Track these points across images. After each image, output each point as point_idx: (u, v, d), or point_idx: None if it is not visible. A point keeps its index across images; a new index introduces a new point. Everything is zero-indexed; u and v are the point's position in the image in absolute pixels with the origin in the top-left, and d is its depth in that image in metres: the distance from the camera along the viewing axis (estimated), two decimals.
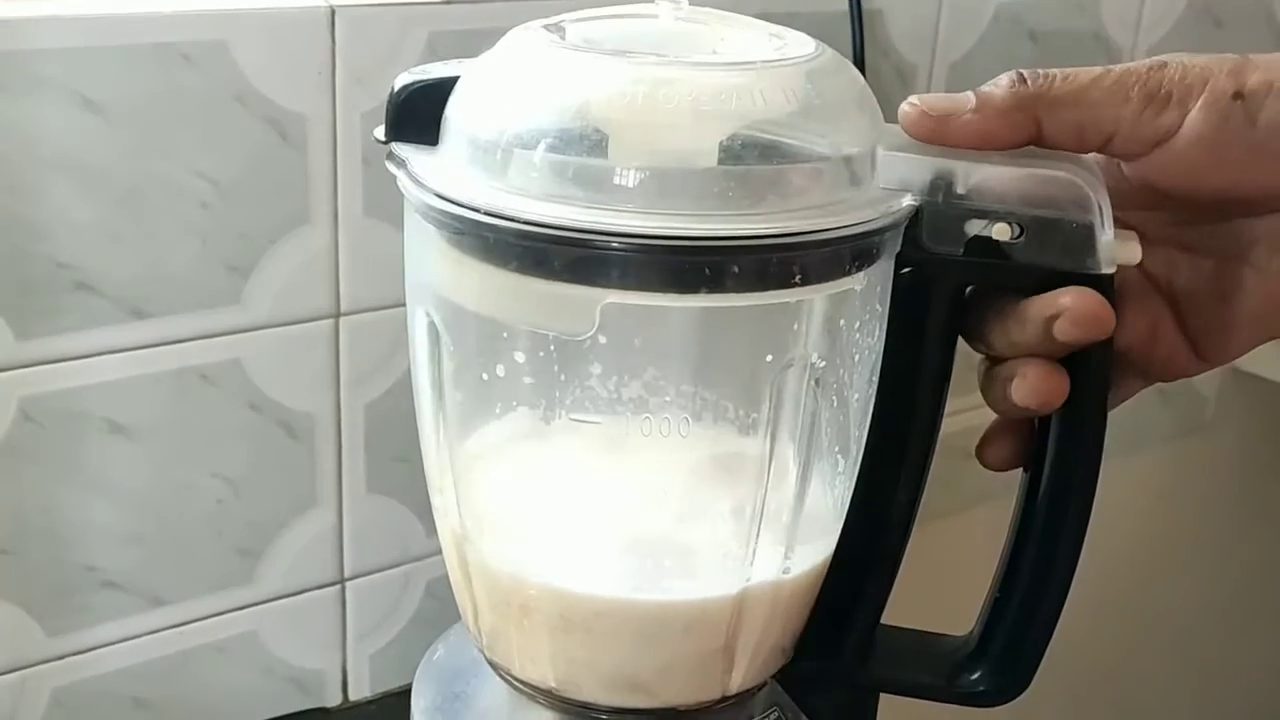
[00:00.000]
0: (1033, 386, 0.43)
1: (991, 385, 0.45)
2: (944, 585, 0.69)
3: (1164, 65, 0.43)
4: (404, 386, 0.69)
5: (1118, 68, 0.43)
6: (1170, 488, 1.21)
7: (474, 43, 0.45)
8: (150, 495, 0.64)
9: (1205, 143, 0.43)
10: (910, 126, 0.43)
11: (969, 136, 0.42)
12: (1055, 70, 0.43)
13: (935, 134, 0.43)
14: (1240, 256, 0.46)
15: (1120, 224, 0.43)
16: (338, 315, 0.67)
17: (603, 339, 0.41)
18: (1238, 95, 0.42)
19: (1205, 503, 1.25)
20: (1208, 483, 1.24)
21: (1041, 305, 0.43)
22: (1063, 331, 0.42)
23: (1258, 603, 1.35)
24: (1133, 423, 1.11)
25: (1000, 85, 0.43)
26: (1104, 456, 0.46)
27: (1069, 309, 0.42)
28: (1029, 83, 0.42)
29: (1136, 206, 0.45)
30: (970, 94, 0.43)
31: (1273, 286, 0.46)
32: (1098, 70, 0.43)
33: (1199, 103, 0.42)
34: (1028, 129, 0.43)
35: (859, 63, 0.77)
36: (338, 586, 0.72)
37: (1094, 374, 0.44)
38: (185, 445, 0.65)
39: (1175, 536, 1.24)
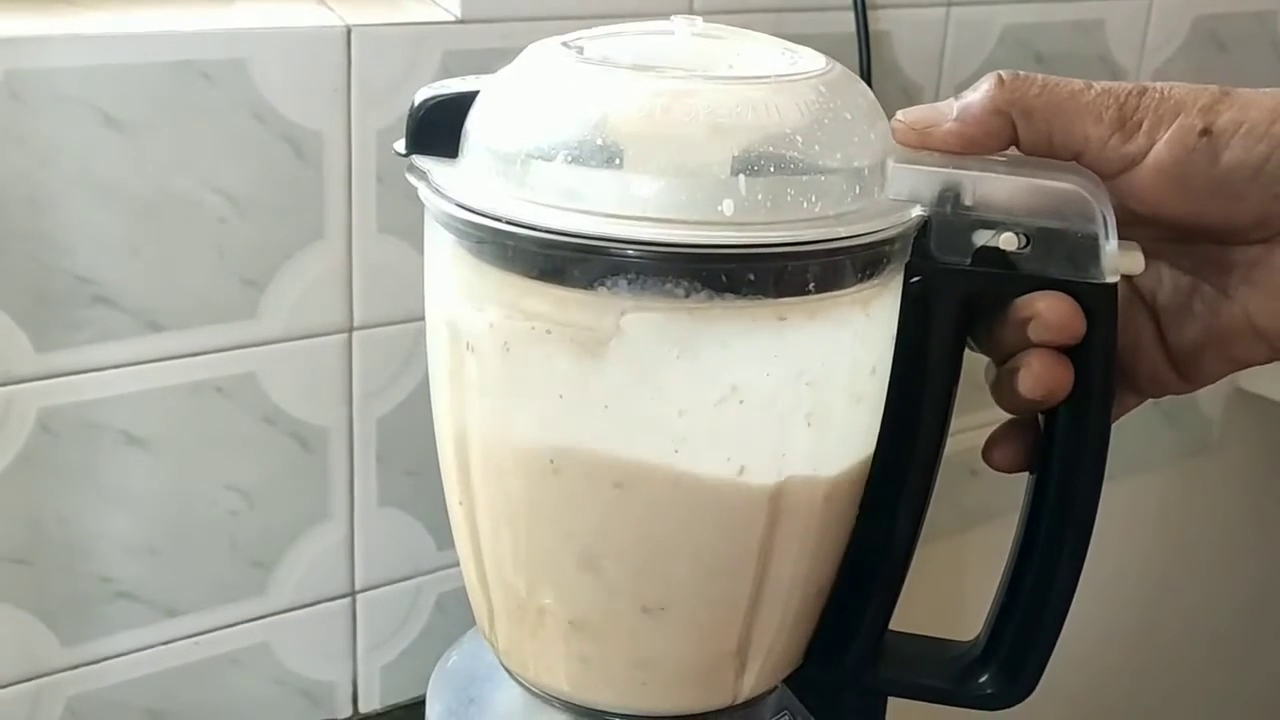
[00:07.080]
0: (1036, 377, 0.44)
1: (1000, 383, 0.46)
2: (949, 603, 0.69)
3: (1144, 91, 0.44)
4: (416, 400, 0.70)
5: (1099, 85, 0.44)
6: (1176, 508, 1.22)
7: (487, 62, 0.46)
8: (165, 507, 0.65)
9: (1167, 175, 0.43)
10: (900, 139, 0.44)
11: (950, 144, 0.44)
12: (1038, 76, 0.44)
13: (921, 144, 0.44)
14: (1213, 280, 0.47)
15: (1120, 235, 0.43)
16: (351, 330, 0.68)
17: (623, 347, 0.42)
18: (1205, 132, 0.43)
19: (1211, 523, 1.26)
20: (1213, 503, 1.25)
21: (1020, 307, 0.44)
22: (1036, 334, 0.44)
23: (1264, 622, 1.35)
24: (1139, 444, 1.12)
25: (980, 90, 0.44)
26: (1110, 478, 0.46)
27: (1039, 315, 0.43)
28: (1006, 85, 0.44)
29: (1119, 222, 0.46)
30: (953, 102, 0.44)
31: (1238, 316, 0.47)
32: (1080, 84, 0.44)
33: (1166, 135, 0.43)
34: (1005, 133, 0.44)
35: (866, 83, 0.78)
36: (349, 599, 0.72)
37: (1097, 371, 0.45)
38: (200, 457, 0.65)
39: (1181, 556, 1.25)
